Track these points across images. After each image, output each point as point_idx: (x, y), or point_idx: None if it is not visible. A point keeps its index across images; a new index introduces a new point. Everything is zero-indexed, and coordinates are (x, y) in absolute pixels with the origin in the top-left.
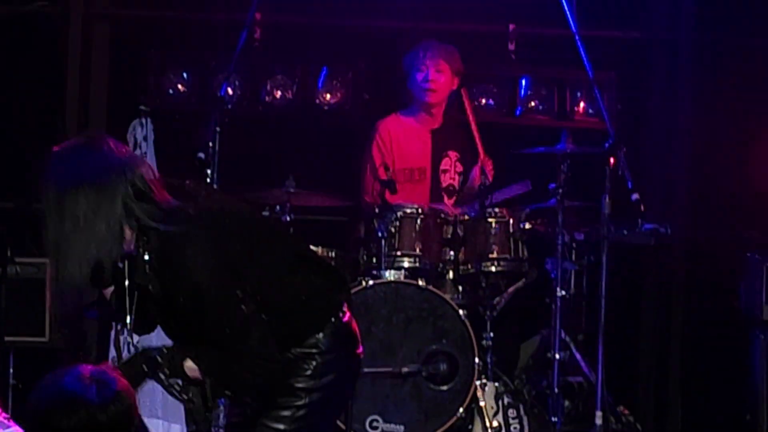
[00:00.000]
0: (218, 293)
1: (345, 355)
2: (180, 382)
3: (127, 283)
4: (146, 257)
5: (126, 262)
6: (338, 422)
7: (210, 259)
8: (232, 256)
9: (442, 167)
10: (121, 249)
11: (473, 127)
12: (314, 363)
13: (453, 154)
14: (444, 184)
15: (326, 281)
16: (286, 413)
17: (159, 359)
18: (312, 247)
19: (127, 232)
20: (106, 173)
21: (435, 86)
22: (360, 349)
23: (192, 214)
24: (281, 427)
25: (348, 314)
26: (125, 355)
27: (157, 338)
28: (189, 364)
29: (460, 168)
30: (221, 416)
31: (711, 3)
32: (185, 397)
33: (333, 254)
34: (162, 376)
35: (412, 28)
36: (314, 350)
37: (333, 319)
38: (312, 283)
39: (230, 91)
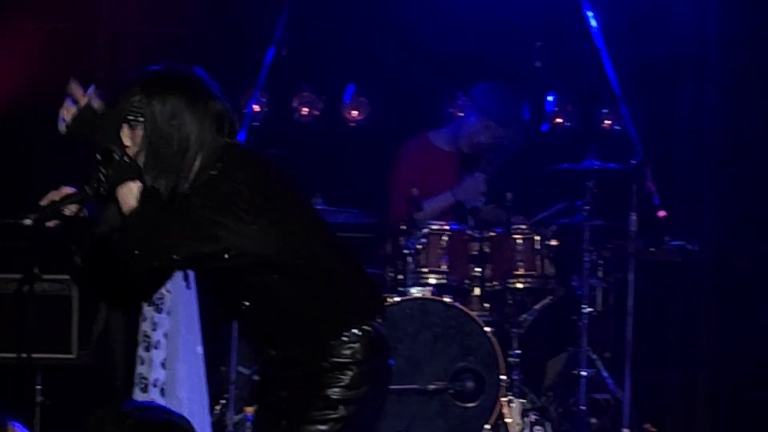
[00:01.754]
0: (204, 206)
1: (379, 366)
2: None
3: None
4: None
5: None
6: None
7: (247, 182)
8: (269, 200)
9: None
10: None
11: None
12: (350, 373)
13: (479, 176)
14: (468, 206)
15: (367, 286)
16: (323, 427)
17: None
18: None
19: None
20: (205, 95)
21: (481, 146)
22: (392, 362)
23: (256, 155)
24: None
25: (382, 326)
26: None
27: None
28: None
29: (484, 189)
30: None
31: (738, 18)
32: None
33: None
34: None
35: (439, 46)
36: (350, 360)
37: (368, 328)
38: (354, 280)
39: (257, 107)
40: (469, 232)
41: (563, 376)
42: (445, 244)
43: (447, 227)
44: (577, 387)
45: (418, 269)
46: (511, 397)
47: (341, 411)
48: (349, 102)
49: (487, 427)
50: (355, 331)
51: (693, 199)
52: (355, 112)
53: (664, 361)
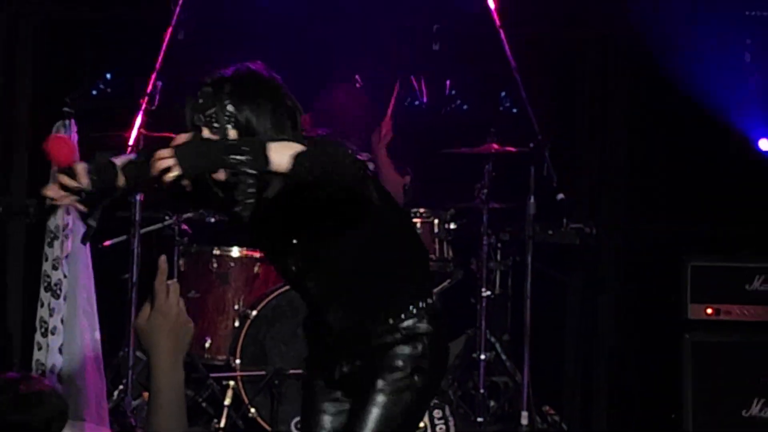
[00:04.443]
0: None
1: (444, 339)
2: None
3: None
4: None
5: None
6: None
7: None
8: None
9: None
10: None
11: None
12: (421, 345)
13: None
14: None
15: (427, 264)
16: (408, 395)
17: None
18: None
19: None
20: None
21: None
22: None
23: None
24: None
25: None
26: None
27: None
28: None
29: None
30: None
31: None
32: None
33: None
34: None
35: (337, 30)
36: (421, 332)
37: (432, 302)
38: (422, 255)
39: (155, 91)
40: None
41: (462, 359)
42: None
43: None
44: (476, 370)
45: None
46: None
47: (416, 379)
48: None
49: None
50: (421, 304)
51: (592, 182)
52: None
53: (563, 344)
